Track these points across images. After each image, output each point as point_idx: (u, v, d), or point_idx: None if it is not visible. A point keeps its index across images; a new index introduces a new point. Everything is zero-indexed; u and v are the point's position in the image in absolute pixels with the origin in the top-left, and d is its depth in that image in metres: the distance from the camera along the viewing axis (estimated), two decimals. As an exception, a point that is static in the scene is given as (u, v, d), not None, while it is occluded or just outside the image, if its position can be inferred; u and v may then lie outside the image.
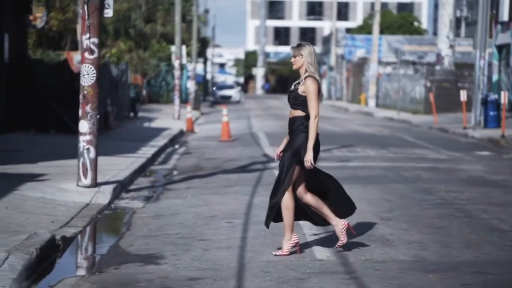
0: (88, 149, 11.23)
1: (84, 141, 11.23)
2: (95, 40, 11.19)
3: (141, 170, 14.49)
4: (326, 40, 75.84)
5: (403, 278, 6.46)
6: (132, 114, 30.99)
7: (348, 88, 60.82)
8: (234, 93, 59.58)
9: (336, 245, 7.38)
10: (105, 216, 10.17)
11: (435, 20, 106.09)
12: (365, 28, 71.71)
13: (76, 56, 29.35)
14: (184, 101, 38.86)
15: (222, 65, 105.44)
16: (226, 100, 57.52)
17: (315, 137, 7.11)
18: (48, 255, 7.47)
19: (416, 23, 74.57)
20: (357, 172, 14.05)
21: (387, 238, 8.10)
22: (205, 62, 54.13)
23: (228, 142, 21.53)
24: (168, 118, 31.52)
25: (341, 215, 7.35)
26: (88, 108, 11.23)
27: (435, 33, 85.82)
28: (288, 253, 7.30)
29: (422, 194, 11.32)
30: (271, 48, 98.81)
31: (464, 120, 26.82)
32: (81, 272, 7.24)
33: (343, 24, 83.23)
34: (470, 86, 36.97)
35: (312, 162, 7.07)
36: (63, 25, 40.82)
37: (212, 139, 22.70)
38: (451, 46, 38.60)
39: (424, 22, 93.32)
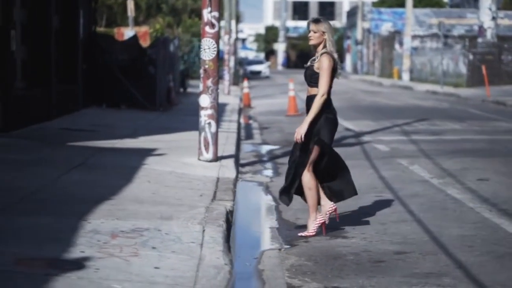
0: (209, 123, 11.14)
1: (206, 115, 11.13)
2: (216, 14, 11.06)
3: (237, 145, 14.42)
4: (351, 14, 75.26)
5: None
6: (182, 90, 30.81)
7: (378, 62, 60.45)
8: (264, 68, 59.39)
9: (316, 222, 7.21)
10: (242, 190, 10.09)
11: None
12: (386, 2, 71.13)
13: (126, 32, 29.21)
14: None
15: (243, 40, 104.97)
16: (256, 75, 57.26)
17: (316, 113, 6.88)
18: (227, 228, 7.41)
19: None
20: (461, 145, 13.89)
21: None
22: (236, 38, 54.01)
23: (297, 116, 21.36)
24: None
25: (345, 195, 7.21)
26: (209, 82, 11.12)
27: (451, 6, 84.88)
28: (314, 233, 7.15)
29: (556, 167, 11.22)
30: (290, 23, 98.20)
31: (523, 93, 26.66)
32: (268, 245, 7.12)
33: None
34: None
35: (303, 136, 6.87)
36: (100, 2, 40.72)
37: (277, 113, 22.56)
38: (494, 18, 38.24)
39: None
